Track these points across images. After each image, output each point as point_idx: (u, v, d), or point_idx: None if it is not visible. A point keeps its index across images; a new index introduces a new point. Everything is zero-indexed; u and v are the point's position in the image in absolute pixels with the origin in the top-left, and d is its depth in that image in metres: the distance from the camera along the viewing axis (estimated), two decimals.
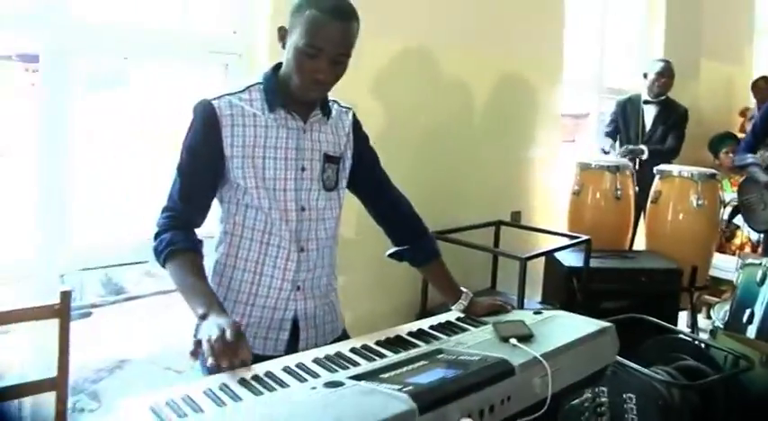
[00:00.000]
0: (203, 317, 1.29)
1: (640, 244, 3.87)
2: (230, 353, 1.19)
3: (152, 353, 3.13)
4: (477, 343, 1.39)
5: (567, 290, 3.05)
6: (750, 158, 3.40)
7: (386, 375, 1.18)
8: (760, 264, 2.24)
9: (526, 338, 1.37)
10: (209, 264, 1.52)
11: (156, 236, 1.44)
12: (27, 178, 2.05)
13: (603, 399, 2.15)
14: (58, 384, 1.79)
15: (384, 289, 2.83)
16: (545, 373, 1.26)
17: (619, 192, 3.47)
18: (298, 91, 1.44)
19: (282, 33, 1.44)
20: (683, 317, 3.42)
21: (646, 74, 4.01)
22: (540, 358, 1.27)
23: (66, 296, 1.80)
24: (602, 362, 1.47)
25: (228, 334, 1.20)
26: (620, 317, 2.24)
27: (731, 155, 4.63)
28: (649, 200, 3.57)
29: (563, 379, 1.32)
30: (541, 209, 3.69)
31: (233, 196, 1.49)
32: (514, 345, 1.34)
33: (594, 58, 4.31)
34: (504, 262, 3.16)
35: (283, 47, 1.45)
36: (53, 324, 1.80)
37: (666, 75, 3.95)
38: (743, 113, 5.44)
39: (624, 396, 2.09)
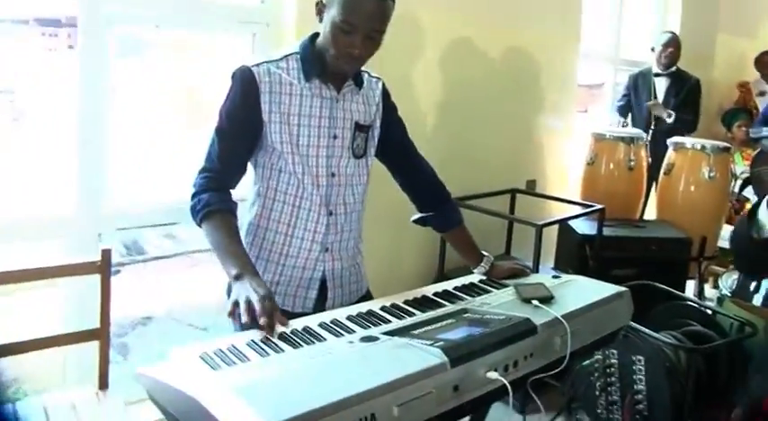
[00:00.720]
0: (237, 278, 1.36)
1: (651, 214, 3.91)
2: (267, 317, 1.25)
3: (174, 310, 3.23)
4: (501, 303, 1.46)
5: (579, 257, 3.11)
6: (765, 131, 3.41)
7: (416, 332, 1.25)
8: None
9: (547, 300, 1.43)
10: (242, 225, 1.58)
11: (194, 196, 1.49)
12: (64, 140, 2.11)
13: (613, 361, 2.22)
14: (101, 335, 1.88)
15: (403, 252, 2.89)
16: (565, 333, 1.33)
17: (632, 163, 3.50)
18: (333, 63, 1.48)
19: (320, 7, 1.47)
20: (690, 286, 3.48)
21: (653, 47, 4.00)
22: (561, 318, 1.34)
23: (106, 254, 1.88)
24: (618, 324, 1.54)
25: (265, 299, 1.27)
26: (631, 284, 2.29)
27: (744, 128, 4.62)
28: (662, 171, 3.60)
29: (581, 338, 1.39)
30: (556, 178, 3.73)
31: (267, 161, 1.54)
32: (536, 306, 1.41)
33: (611, 30, 4.29)
34: (519, 229, 3.21)
35: (320, 21, 1.48)
36: (94, 279, 1.88)
37: (672, 45, 3.94)
38: (740, 86, 5.38)
39: (633, 358, 2.17)
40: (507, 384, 1.15)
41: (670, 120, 3.83)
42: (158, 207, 2.26)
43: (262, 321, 1.23)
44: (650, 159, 3.66)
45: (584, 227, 3.16)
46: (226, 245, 1.44)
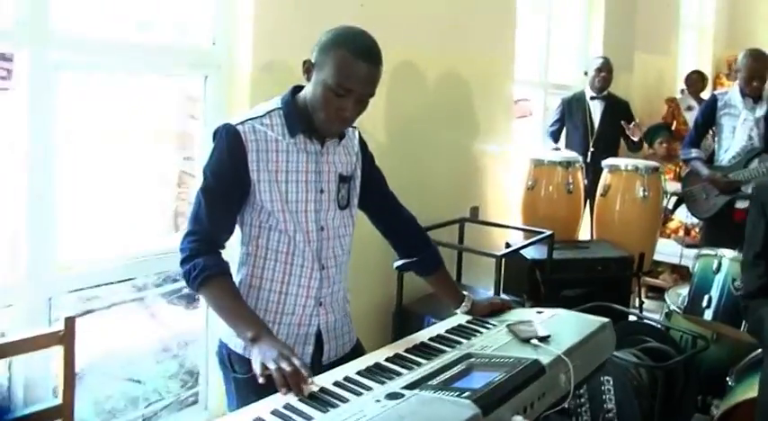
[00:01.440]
0: (255, 340, 1.41)
1: (586, 232, 4.19)
2: (302, 382, 1.31)
3: (106, 363, 3.14)
4: (501, 345, 1.56)
5: (530, 281, 3.30)
6: (694, 153, 3.77)
7: (434, 382, 1.33)
8: (715, 254, 2.56)
9: (545, 339, 1.55)
10: None
11: (186, 260, 1.52)
12: (8, 199, 2.04)
13: (581, 387, 2.39)
14: (64, 414, 1.79)
15: (359, 291, 2.95)
16: (568, 369, 1.45)
17: (570, 186, 3.76)
18: (322, 125, 1.55)
19: (308, 66, 1.54)
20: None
21: (586, 72, 4.33)
22: (563, 356, 1.46)
23: (70, 323, 1.81)
24: (606, 354, 1.70)
25: (296, 362, 1.33)
26: (586, 306, 2.50)
27: (665, 145, 5.05)
28: (599, 193, 3.88)
29: (580, 372, 1.52)
30: (497, 203, 3.93)
31: (255, 219, 1.58)
32: (536, 346, 1.52)
33: (540, 54, 4.58)
34: (467, 257, 3.37)
35: (308, 79, 1.55)
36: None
37: (605, 69, 4.28)
38: (669, 101, 5.90)
39: (602, 379, 2.35)
40: None
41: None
42: (113, 263, 2.21)
43: (301, 389, 1.29)
44: (586, 181, 3.94)
45: (532, 252, 3.35)
46: (234, 308, 1.48)
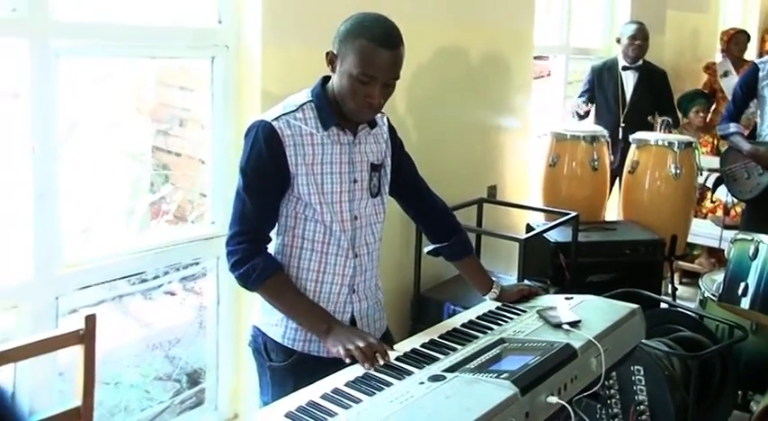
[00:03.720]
0: (329, 331, 1.77)
1: (613, 213, 4.49)
2: (381, 353, 1.69)
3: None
4: (533, 330, 1.87)
5: (553, 265, 3.60)
6: (732, 127, 4.00)
7: (473, 365, 1.63)
8: (752, 239, 2.83)
9: (576, 324, 1.85)
10: None
11: (240, 262, 1.81)
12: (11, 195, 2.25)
13: (613, 373, 2.69)
14: (84, 416, 1.97)
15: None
16: (599, 353, 1.75)
17: (595, 163, 4.04)
18: (351, 114, 1.83)
19: (331, 58, 1.81)
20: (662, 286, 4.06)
21: (619, 39, 4.57)
22: (594, 341, 1.76)
23: (91, 321, 1.99)
24: (637, 340, 2.00)
25: (372, 339, 1.72)
26: (614, 293, 2.78)
27: (701, 114, 5.31)
28: (626, 169, 4.16)
29: (611, 357, 1.82)
30: (517, 181, 4.21)
31: (292, 210, 1.87)
32: (568, 330, 1.82)
33: (561, 17, 4.83)
34: (485, 241, 3.65)
35: (332, 70, 1.82)
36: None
37: (640, 37, 4.52)
38: (708, 68, 6.12)
39: (632, 368, 2.64)
40: (567, 405, 1.55)
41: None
42: (123, 258, 2.43)
43: (381, 361, 1.68)
44: (612, 157, 4.21)
45: (555, 234, 3.65)
46: (300, 302, 1.85)
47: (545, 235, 3.61)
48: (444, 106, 3.62)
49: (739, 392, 2.91)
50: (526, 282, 3.10)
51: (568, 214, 3.48)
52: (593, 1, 5.27)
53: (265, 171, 1.82)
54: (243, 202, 1.83)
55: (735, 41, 6.02)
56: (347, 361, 1.68)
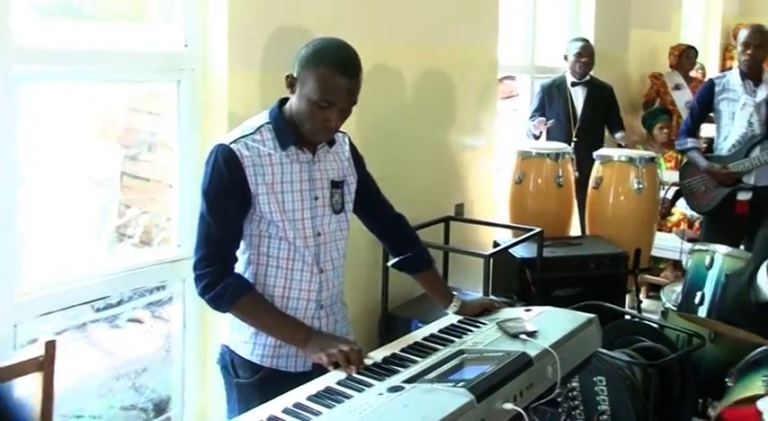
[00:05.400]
0: (307, 340, 1.87)
1: (577, 228, 4.59)
2: (358, 356, 1.79)
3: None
4: (492, 341, 1.94)
5: (519, 281, 3.69)
6: (690, 143, 4.19)
7: (430, 376, 1.70)
8: (707, 250, 2.97)
9: (533, 333, 1.93)
10: None
11: (210, 285, 1.87)
12: None
13: (575, 384, 2.78)
14: None
15: (345, 295, 3.32)
16: (554, 361, 1.83)
17: (560, 179, 4.16)
18: (308, 135, 1.92)
19: (290, 80, 1.90)
20: (627, 299, 4.17)
21: (566, 56, 4.73)
22: (550, 349, 1.84)
23: (50, 347, 1.99)
24: (593, 348, 2.09)
25: (352, 344, 1.83)
26: (579, 305, 2.88)
27: (665, 130, 5.48)
28: (590, 185, 4.29)
29: (567, 365, 1.90)
30: (483, 199, 4.31)
31: (256, 228, 1.94)
32: (525, 340, 1.90)
33: (526, 37, 4.98)
34: (453, 257, 3.74)
35: (291, 93, 1.91)
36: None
37: (585, 54, 4.68)
38: (653, 77, 6.29)
39: (594, 379, 2.73)
40: (522, 412, 1.63)
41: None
42: (85, 283, 2.42)
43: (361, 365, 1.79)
44: (576, 173, 4.33)
45: (521, 250, 3.73)
46: (275, 317, 1.92)
47: (511, 251, 3.70)
48: (410, 125, 3.71)
49: (700, 400, 3.01)
50: (492, 296, 3.19)
51: (533, 230, 3.57)
52: (558, 20, 5.42)
53: (227, 192, 1.88)
54: (207, 225, 1.89)
55: (686, 56, 6.24)
56: (330, 368, 1.77)
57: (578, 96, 4.72)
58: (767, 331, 2.74)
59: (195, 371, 2.80)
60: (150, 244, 3.14)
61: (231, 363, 1.99)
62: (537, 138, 4.63)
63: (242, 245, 1.97)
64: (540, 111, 4.75)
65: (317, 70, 1.84)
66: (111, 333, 3.19)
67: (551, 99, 4.74)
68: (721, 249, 2.96)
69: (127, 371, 3.19)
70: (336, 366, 1.78)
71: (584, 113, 4.69)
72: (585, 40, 4.78)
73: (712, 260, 2.94)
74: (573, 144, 4.55)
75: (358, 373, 1.78)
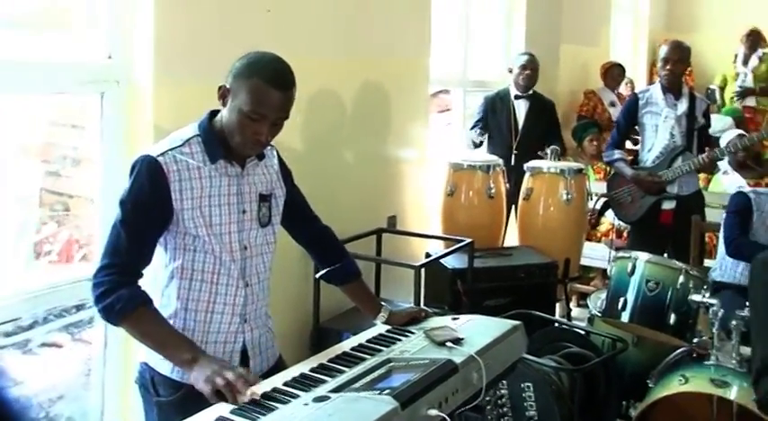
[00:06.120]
0: (193, 361, 1.76)
1: (511, 239, 4.70)
2: (250, 384, 1.69)
3: None
4: (419, 349, 1.98)
5: (451, 291, 3.75)
6: (617, 154, 4.37)
7: (358, 385, 1.73)
8: (629, 257, 3.09)
9: (459, 341, 1.98)
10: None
11: (105, 294, 1.80)
12: None
13: (504, 391, 2.85)
14: None
15: (275, 310, 3.32)
16: (480, 368, 1.88)
17: (492, 191, 4.26)
18: (238, 148, 1.92)
19: (223, 92, 1.90)
20: (557, 308, 4.28)
21: (510, 69, 4.87)
22: (475, 356, 1.89)
23: None
24: (518, 354, 2.15)
25: (240, 370, 1.71)
26: (509, 314, 2.95)
27: (595, 143, 5.67)
28: (521, 197, 4.40)
29: (492, 371, 1.95)
30: (415, 211, 4.37)
31: (180, 243, 1.92)
32: (451, 347, 1.95)
33: (459, 52, 5.08)
34: (386, 269, 3.78)
35: (223, 104, 1.91)
36: None
37: (529, 67, 4.83)
38: (588, 94, 6.51)
39: (522, 385, 2.81)
40: (446, 417, 1.67)
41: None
42: None
43: (248, 396, 1.67)
44: (508, 185, 4.44)
45: (453, 261, 3.81)
46: (165, 334, 1.83)
47: (443, 262, 3.77)
48: (342, 138, 3.75)
49: (624, 403, 3.11)
50: (424, 307, 3.25)
51: (464, 241, 3.65)
52: (490, 35, 5.55)
53: (145, 206, 1.86)
54: (117, 235, 1.85)
55: (610, 74, 6.47)
56: (212, 399, 1.68)
57: (521, 109, 4.84)
58: (685, 333, 2.88)
59: (116, 395, 2.72)
60: (70, 260, 3.05)
61: (151, 381, 1.95)
62: (477, 147, 4.72)
63: (165, 258, 1.95)
64: (483, 122, 4.85)
65: (250, 82, 1.85)
66: (22, 359, 3.08)
67: (494, 111, 4.85)
68: (642, 256, 3.08)
69: (40, 401, 3.02)
70: (219, 395, 1.69)
71: (525, 126, 4.81)
72: (531, 54, 4.92)
73: (634, 266, 3.05)
74: (513, 156, 4.67)
75: (284, 384, 1.79)
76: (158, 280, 1.97)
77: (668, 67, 4.20)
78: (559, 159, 4.49)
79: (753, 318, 2.55)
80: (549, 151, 4.47)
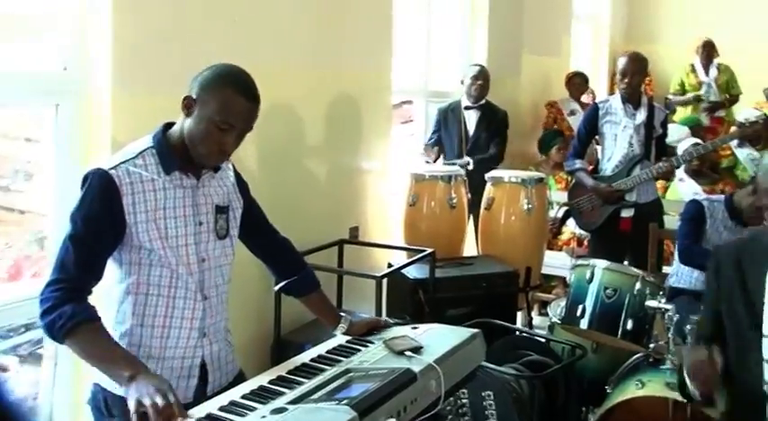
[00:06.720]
0: (132, 379, 1.71)
1: (471, 249, 4.75)
2: (174, 416, 1.62)
3: None
4: (378, 359, 2.01)
5: (413, 302, 3.78)
6: (578, 164, 4.46)
7: (316, 396, 1.75)
8: (588, 264, 3.16)
9: (417, 349, 2.01)
10: (109, 327, 1.88)
11: (50, 310, 1.77)
12: None
13: (464, 400, 2.88)
14: None
15: (236, 323, 3.31)
16: (438, 376, 1.91)
17: (453, 201, 4.31)
18: (200, 158, 1.93)
19: (188, 102, 1.91)
20: (519, 316, 4.35)
21: (462, 80, 4.94)
22: (434, 364, 1.92)
23: None
24: (477, 362, 2.19)
25: (171, 398, 1.64)
26: (470, 323, 2.99)
27: (562, 151, 5.76)
28: (482, 206, 4.46)
29: (451, 379, 1.99)
30: (378, 222, 4.41)
31: (135, 257, 1.91)
32: (410, 356, 1.98)
33: (420, 63, 5.14)
34: (348, 280, 3.81)
35: (187, 115, 1.92)
36: None
37: (481, 78, 4.91)
38: (549, 105, 6.62)
39: (483, 394, 2.84)
40: None
41: (470, 167, 4.70)
42: None
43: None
44: (469, 195, 4.50)
45: (414, 271, 3.84)
46: (108, 350, 1.80)
47: (405, 272, 3.79)
48: (305, 149, 3.78)
49: (583, 409, 3.17)
50: (386, 318, 3.27)
51: (425, 251, 3.69)
52: (452, 45, 5.61)
53: (96, 221, 1.84)
54: (66, 251, 1.83)
55: (572, 83, 6.59)
56: (133, 419, 1.63)
57: (471, 120, 4.91)
58: (642, 339, 2.95)
59: (67, 419, 2.66)
60: (19, 278, 2.98)
61: (104, 403, 1.93)
62: (434, 161, 4.80)
63: (119, 274, 1.93)
64: (438, 134, 4.93)
65: (222, 91, 1.87)
66: None
67: (446, 122, 4.92)
68: (600, 264, 3.16)
69: None
70: (144, 417, 1.62)
71: (476, 136, 4.88)
72: (481, 66, 5.01)
73: (593, 274, 3.12)
74: (466, 169, 4.72)
75: (242, 397, 1.80)
76: (112, 296, 1.95)
77: (626, 81, 4.30)
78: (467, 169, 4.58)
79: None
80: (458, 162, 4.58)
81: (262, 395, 1.81)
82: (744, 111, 6.23)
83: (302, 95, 3.72)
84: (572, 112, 6.41)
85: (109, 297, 1.96)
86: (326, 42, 3.85)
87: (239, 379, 2.10)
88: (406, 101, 5.33)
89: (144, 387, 1.67)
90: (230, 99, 1.87)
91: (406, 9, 4.84)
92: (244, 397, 1.80)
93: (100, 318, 1.84)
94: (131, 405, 1.65)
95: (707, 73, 6.69)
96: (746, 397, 2.12)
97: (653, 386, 2.71)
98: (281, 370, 1.99)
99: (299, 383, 1.88)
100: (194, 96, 1.91)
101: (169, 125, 1.99)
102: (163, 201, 1.92)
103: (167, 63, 2.82)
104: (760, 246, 2.12)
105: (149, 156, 1.93)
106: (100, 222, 1.85)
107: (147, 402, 1.62)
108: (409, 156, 5.16)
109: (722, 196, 4.04)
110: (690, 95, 6.65)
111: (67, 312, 1.77)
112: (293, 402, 1.72)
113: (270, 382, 1.90)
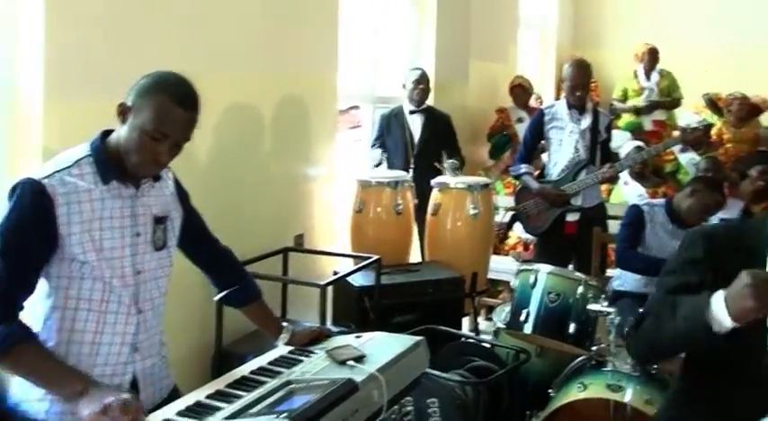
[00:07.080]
0: (84, 392, 1.68)
1: (418, 255, 4.77)
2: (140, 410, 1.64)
3: None
4: (320, 369, 1.99)
5: (358, 309, 3.78)
6: (523, 168, 4.53)
7: (255, 409, 1.73)
8: (532, 269, 3.21)
9: (360, 359, 2.00)
10: None
11: None
12: None
13: (409, 408, 2.87)
14: None
15: (174, 335, 3.26)
16: (381, 385, 1.91)
17: (399, 207, 4.32)
18: (134, 168, 1.87)
19: (122, 109, 1.85)
20: (465, 322, 4.37)
21: (404, 84, 4.96)
22: (376, 373, 1.92)
23: None
24: (420, 369, 2.18)
25: (124, 399, 1.63)
26: (415, 330, 3.01)
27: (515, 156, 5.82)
28: (429, 212, 4.47)
29: (394, 388, 1.98)
30: (324, 229, 4.38)
31: (65, 270, 1.84)
32: (352, 366, 1.97)
33: (367, 68, 5.15)
34: (293, 289, 3.78)
35: (122, 122, 1.86)
36: None
37: (423, 82, 4.92)
38: (499, 111, 6.70)
39: (427, 401, 2.85)
40: None
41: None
42: None
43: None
44: (416, 200, 4.51)
45: (360, 278, 3.83)
46: (53, 368, 1.75)
47: (350, 280, 3.78)
48: (248, 154, 3.74)
49: (527, 412, 3.20)
50: (330, 326, 3.26)
51: (370, 258, 3.68)
52: (399, 50, 5.63)
53: (27, 234, 1.78)
54: None
55: (514, 93, 6.67)
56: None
57: (416, 124, 4.91)
58: (585, 342, 3.00)
59: None
60: None
61: None
62: (378, 165, 4.79)
63: (46, 289, 1.86)
64: (381, 139, 4.92)
65: (155, 99, 1.82)
66: None
67: (390, 128, 4.92)
68: (544, 268, 3.20)
69: None
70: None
71: (421, 141, 4.88)
72: (422, 70, 5.02)
73: (536, 279, 3.16)
74: (411, 171, 4.74)
75: (177, 414, 1.76)
76: (37, 311, 1.86)
77: (578, 94, 4.39)
78: (457, 173, 4.56)
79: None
80: (446, 165, 4.56)
81: (198, 411, 1.77)
82: (685, 117, 6.40)
83: (246, 100, 3.69)
84: (519, 120, 6.48)
85: (33, 313, 1.85)
86: (271, 46, 3.82)
87: (174, 395, 2.04)
88: (353, 106, 5.33)
89: (99, 394, 1.67)
90: (165, 107, 1.82)
91: (352, 13, 4.84)
92: (179, 413, 1.76)
93: (36, 336, 1.78)
94: (93, 412, 1.63)
95: (648, 78, 6.84)
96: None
97: (594, 388, 2.74)
98: (220, 383, 1.96)
99: (238, 397, 1.85)
100: (129, 103, 1.86)
101: (108, 132, 1.93)
102: (99, 212, 1.86)
103: (103, 67, 2.76)
104: (757, 238, 1.95)
105: (86, 165, 1.87)
106: (30, 235, 1.78)
107: (112, 403, 1.62)
108: (356, 161, 5.16)
109: (663, 200, 4.14)
110: (630, 104, 6.80)
111: (2, 332, 1.71)
112: (231, 417, 1.70)
113: (207, 397, 1.86)
